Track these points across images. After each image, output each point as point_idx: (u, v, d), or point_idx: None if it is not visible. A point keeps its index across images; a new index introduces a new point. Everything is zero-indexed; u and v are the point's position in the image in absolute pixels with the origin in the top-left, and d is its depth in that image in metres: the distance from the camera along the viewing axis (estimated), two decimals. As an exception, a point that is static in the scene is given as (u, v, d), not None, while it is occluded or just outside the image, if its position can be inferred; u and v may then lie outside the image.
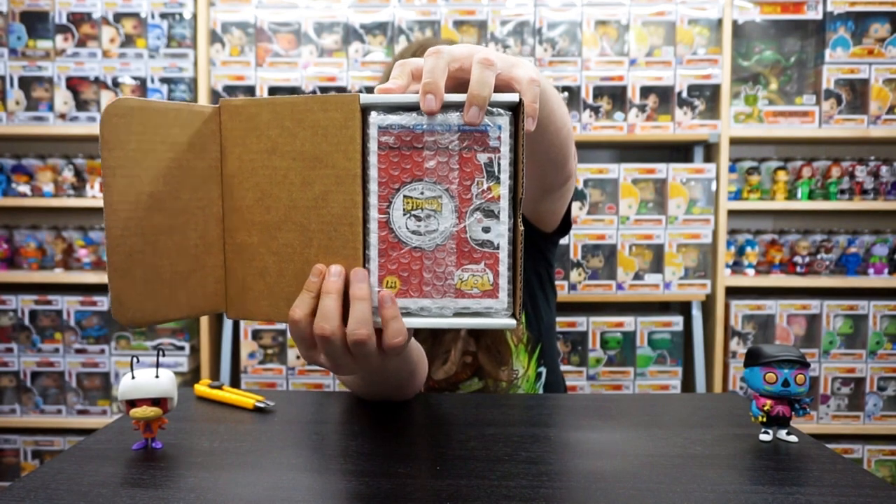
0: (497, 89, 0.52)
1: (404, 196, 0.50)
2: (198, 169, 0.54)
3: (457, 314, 0.52)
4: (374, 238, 0.51)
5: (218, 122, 0.54)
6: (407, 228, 0.51)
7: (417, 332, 0.95)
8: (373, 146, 0.50)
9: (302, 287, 0.53)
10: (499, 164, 0.50)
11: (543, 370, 1.18)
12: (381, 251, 0.51)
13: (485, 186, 0.50)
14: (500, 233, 0.50)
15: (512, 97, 0.50)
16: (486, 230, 0.50)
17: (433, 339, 1.04)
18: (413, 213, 0.50)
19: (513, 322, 0.51)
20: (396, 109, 0.50)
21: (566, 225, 1.08)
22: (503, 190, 0.50)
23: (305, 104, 0.51)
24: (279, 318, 0.55)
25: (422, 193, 0.50)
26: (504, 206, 0.50)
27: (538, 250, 1.10)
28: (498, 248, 0.50)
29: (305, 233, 0.53)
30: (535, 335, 1.13)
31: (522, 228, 0.51)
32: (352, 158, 0.50)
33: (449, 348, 1.04)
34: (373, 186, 0.51)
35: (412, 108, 0.50)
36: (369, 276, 0.52)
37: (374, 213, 0.51)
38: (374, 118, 0.50)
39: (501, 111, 0.50)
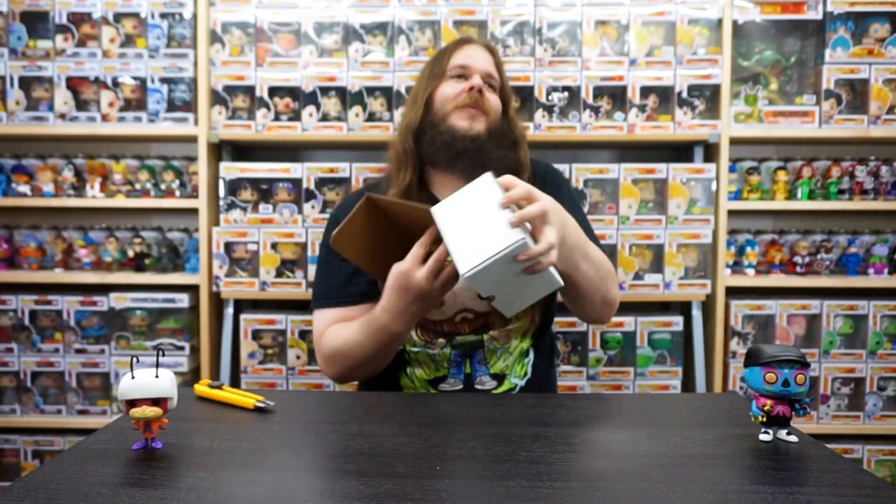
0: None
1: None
2: (374, 220, 1.01)
3: None
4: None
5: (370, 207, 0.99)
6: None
7: None
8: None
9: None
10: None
11: (531, 351, 1.25)
12: None
13: None
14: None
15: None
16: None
17: None
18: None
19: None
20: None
21: None
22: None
23: (412, 210, 0.96)
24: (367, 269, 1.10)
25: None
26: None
27: None
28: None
29: (395, 256, 1.00)
30: (532, 315, 1.22)
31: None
32: (423, 234, 0.98)
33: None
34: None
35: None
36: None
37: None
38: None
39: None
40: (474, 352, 1.20)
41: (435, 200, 1.22)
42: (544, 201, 0.90)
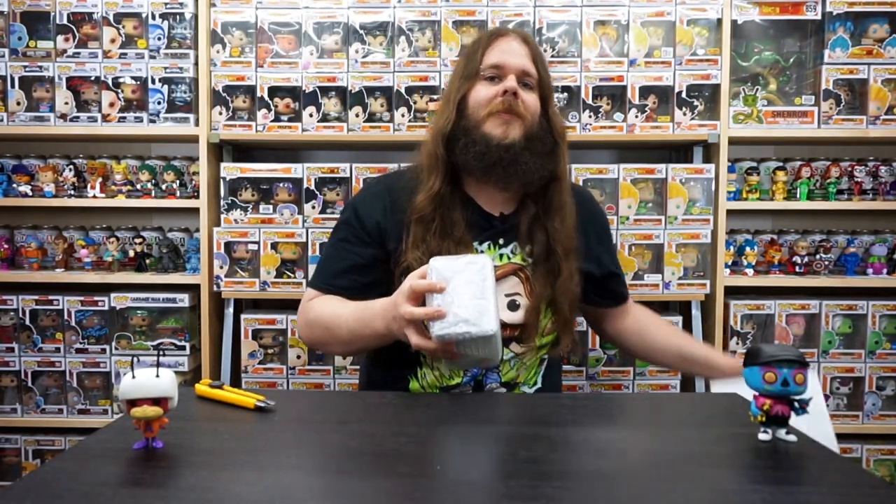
0: None
1: None
2: None
3: None
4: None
5: None
6: None
7: None
8: None
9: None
10: None
11: (546, 357, 1.24)
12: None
13: None
14: None
15: None
16: None
17: None
18: None
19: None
20: None
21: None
22: None
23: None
24: None
25: None
26: None
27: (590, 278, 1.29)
28: None
29: None
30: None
31: None
32: None
33: None
34: None
35: None
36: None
37: None
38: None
39: None
40: None
41: (469, 199, 1.22)
42: None
